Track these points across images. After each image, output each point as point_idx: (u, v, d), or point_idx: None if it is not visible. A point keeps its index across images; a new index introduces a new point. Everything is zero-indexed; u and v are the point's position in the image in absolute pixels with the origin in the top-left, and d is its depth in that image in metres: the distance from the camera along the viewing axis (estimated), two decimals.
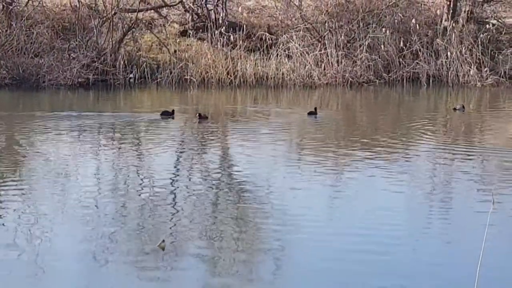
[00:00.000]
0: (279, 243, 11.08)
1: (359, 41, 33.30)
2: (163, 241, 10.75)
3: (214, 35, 32.98)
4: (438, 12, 35.23)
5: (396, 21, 34.17)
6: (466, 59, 32.94)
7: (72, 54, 32.17)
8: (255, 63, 32.39)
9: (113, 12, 33.08)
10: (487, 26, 34.63)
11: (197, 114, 22.74)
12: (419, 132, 21.22)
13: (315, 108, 23.82)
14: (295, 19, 34.91)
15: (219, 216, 12.60)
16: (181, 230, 11.77)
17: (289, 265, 10.23)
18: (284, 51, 32.66)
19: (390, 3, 34.72)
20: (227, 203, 13.45)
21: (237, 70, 32.26)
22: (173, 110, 23.49)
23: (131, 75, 32.31)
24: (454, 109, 25.49)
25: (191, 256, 10.52)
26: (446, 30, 33.60)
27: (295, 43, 32.73)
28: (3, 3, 33.32)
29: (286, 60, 32.55)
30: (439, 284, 9.55)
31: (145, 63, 32.46)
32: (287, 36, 33.14)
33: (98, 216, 12.40)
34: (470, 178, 15.34)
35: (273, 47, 32.92)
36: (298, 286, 9.57)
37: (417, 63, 33.30)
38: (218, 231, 11.76)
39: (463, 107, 25.42)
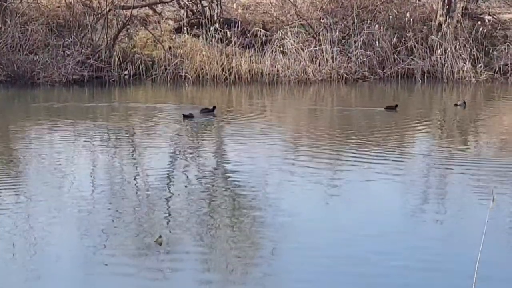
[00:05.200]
0: (274, 240, 11.10)
1: (354, 37, 33.28)
2: (160, 236, 10.77)
3: (209, 31, 32.94)
4: (433, 7, 35.21)
5: (390, 17, 34.15)
6: (460, 55, 32.94)
7: (66, 51, 32.12)
8: (250, 60, 32.34)
9: (107, 9, 33.03)
10: (482, 22, 34.62)
11: (182, 114, 22.48)
12: (423, 129, 21.27)
13: (396, 105, 24.05)
14: (290, 16, 34.88)
15: (215, 212, 12.61)
16: (178, 226, 11.78)
17: (284, 262, 10.25)
18: (279, 47, 32.62)
19: None
20: (224, 199, 13.46)
21: (232, 67, 32.22)
22: (213, 107, 23.27)
23: (126, 72, 32.26)
24: (455, 104, 25.45)
25: (188, 251, 10.55)
26: (441, 26, 33.59)
27: (290, 39, 32.71)
28: None
29: (281, 56, 32.50)
30: (437, 284, 9.57)
31: (140, 60, 32.39)
32: (282, 33, 33.11)
33: (94, 212, 12.40)
34: (468, 174, 15.32)
35: (268, 43, 32.90)
36: (292, 283, 9.59)
37: (412, 59, 33.29)
38: (214, 226, 11.78)
39: (465, 103, 25.34)
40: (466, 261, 9.80)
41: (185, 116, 22.18)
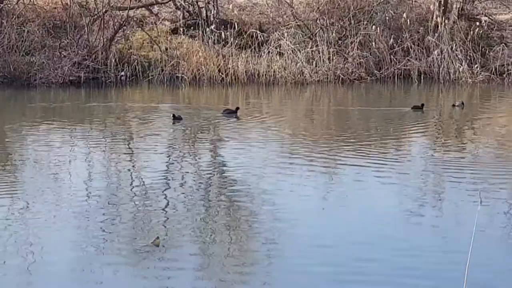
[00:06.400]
0: (271, 241, 11.09)
1: (350, 38, 33.30)
2: (157, 237, 10.77)
3: (205, 32, 32.95)
4: (429, 8, 35.22)
5: (387, 18, 34.16)
6: (457, 56, 32.97)
7: (63, 52, 32.09)
8: (247, 61, 32.34)
9: (104, 10, 33.02)
10: (478, 22, 34.66)
11: (172, 114, 22.34)
12: (421, 130, 21.25)
13: (422, 104, 24.31)
14: (286, 17, 34.90)
15: (212, 214, 12.61)
16: (175, 227, 11.77)
17: (282, 263, 10.24)
18: (276, 48, 32.63)
19: (381, 0, 34.72)
20: (220, 200, 13.47)
21: (229, 68, 32.23)
22: (237, 108, 23.19)
23: (123, 73, 32.25)
24: (453, 105, 25.43)
25: (185, 252, 10.53)
26: (437, 27, 33.61)
27: (286, 40, 32.71)
28: None
29: (278, 57, 32.50)
30: (430, 284, 9.56)
31: (136, 61, 32.39)
32: (278, 34, 33.12)
33: (90, 213, 12.39)
34: (462, 176, 15.28)
35: (265, 44, 32.90)
36: (290, 282, 9.59)
37: (408, 60, 33.32)
38: (211, 228, 11.78)
39: (463, 103, 25.33)
40: (458, 267, 9.73)
41: (174, 118, 22.05)
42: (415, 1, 36.41)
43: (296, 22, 34.06)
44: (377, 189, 14.20)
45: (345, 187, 14.47)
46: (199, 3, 34.81)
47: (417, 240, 11.16)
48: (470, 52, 33.20)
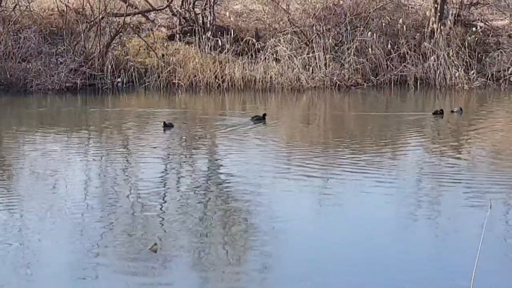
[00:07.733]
0: (267, 248, 11.05)
1: (346, 44, 33.32)
2: (155, 244, 10.75)
3: (202, 39, 32.97)
4: (426, 14, 35.28)
5: (383, 24, 34.20)
6: (453, 62, 33.00)
7: (59, 59, 32.09)
8: (243, 67, 32.35)
9: (100, 17, 33.00)
10: (474, 28, 34.73)
11: (163, 122, 22.14)
12: (420, 136, 21.23)
13: (441, 110, 24.63)
14: (283, 23, 34.91)
15: (209, 220, 12.59)
16: (172, 233, 11.75)
17: (277, 271, 10.22)
18: (272, 54, 32.65)
19: (378, 6, 34.77)
20: (217, 207, 13.44)
21: (225, 74, 32.23)
22: (264, 114, 23.27)
23: (119, 80, 32.24)
24: (452, 111, 25.41)
25: (183, 259, 10.51)
26: (434, 33, 33.66)
27: (283, 46, 32.73)
28: None
29: (274, 63, 32.51)
30: None
31: (132, 67, 32.39)
32: (275, 40, 33.13)
33: (88, 220, 12.36)
34: (463, 182, 15.24)
35: (261, 50, 32.90)
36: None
37: (405, 66, 33.33)
38: (209, 234, 11.76)
39: (461, 109, 25.34)
40: (460, 275, 9.72)
41: (165, 125, 21.91)
42: (411, 7, 36.46)
43: (293, 29, 34.09)
44: (375, 197, 14.14)
45: (342, 194, 14.42)
46: (195, 9, 34.82)
47: (417, 252, 11.08)
48: (466, 58, 33.24)
